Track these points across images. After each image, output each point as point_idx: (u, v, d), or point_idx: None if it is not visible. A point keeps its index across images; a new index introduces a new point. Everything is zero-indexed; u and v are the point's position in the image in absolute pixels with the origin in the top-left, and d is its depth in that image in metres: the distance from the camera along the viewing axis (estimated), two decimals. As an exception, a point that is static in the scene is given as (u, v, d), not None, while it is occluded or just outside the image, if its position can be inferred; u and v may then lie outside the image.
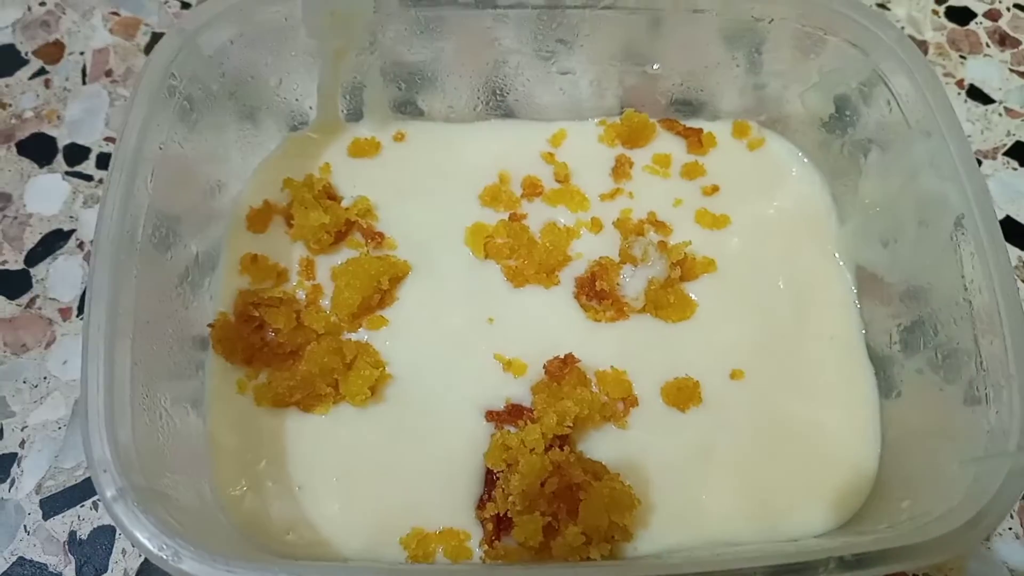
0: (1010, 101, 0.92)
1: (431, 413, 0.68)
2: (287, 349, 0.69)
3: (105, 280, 0.56)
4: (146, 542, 0.49)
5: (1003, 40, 0.96)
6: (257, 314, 0.69)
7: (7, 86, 0.88)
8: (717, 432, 0.68)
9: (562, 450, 0.63)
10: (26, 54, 0.90)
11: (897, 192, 0.71)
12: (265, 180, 0.77)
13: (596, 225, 0.76)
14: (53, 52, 0.90)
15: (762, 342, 0.72)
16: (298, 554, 0.63)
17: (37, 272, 0.79)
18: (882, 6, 0.97)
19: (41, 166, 0.84)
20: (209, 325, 0.69)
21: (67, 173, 0.84)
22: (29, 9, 0.93)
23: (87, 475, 0.70)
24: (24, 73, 0.89)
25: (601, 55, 0.78)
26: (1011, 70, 0.94)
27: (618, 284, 0.72)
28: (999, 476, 0.55)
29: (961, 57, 0.95)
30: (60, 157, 0.84)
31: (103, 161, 0.84)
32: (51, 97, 0.88)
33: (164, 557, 0.49)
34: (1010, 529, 0.71)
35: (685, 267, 0.74)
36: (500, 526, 0.63)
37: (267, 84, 0.75)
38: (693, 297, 0.74)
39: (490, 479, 0.65)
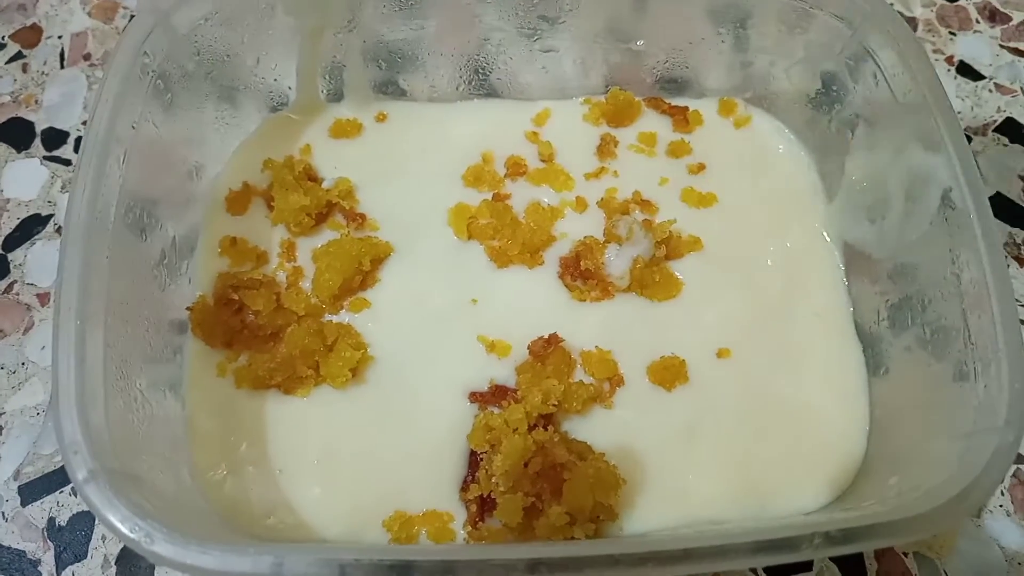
0: (1000, 77, 0.91)
1: (414, 395, 0.67)
2: (267, 331, 0.68)
3: (76, 260, 0.55)
4: (118, 524, 0.48)
5: (993, 16, 0.95)
6: (236, 297, 0.68)
7: (-17, 71, 0.87)
8: (703, 411, 0.68)
9: (546, 430, 0.63)
10: (3, 38, 0.89)
11: (884, 167, 0.70)
12: (244, 162, 0.76)
13: (581, 204, 0.75)
14: (30, 36, 0.89)
15: (749, 320, 0.71)
16: (279, 537, 0.62)
17: (15, 257, 0.78)
18: (871, -18, 0.96)
19: (19, 151, 0.83)
20: (188, 308, 0.68)
21: (45, 158, 0.83)
22: (6, -8, 0.91)
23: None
24: (1, 57, 0.88)
25: (585, 32, 0.77)
26: (1001, 46, 0.93)
27: (603, 263, 0.71)
28: (987, 450, 0.54)
29: (951, 33, 0.94)
30: (38, 142, 0.84)
31: (81, 146, 0.83)
32: (28, 81, 0.87)
33: (136, 539, 0.48)
34: (1001, 507, 0.70)
35: (671, 246, 0.73)
36: (484, 507, 0.62)
37: (244, 64, 0.74)
38: (679, 276, 0.73)
39: (474, 461, 0.64)
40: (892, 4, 0.94)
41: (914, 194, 0.66)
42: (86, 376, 0.53)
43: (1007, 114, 0.89)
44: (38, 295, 0.76)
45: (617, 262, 0.71)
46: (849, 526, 0.51)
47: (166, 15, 0.65)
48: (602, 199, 0.76)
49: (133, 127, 0.62)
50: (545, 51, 0.78)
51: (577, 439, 0.65)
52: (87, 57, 0.88)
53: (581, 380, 0.67)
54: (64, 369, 0.52)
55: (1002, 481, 0.68)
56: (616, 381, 0.68)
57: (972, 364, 0.59)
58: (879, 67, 0.69)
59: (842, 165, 0.75)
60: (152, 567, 0.66)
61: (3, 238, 0.78)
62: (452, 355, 0.69)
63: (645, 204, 0.76)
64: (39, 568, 0.66)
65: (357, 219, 0.74)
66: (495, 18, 0.75)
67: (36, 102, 0.85)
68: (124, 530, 0.48)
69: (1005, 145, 0.87)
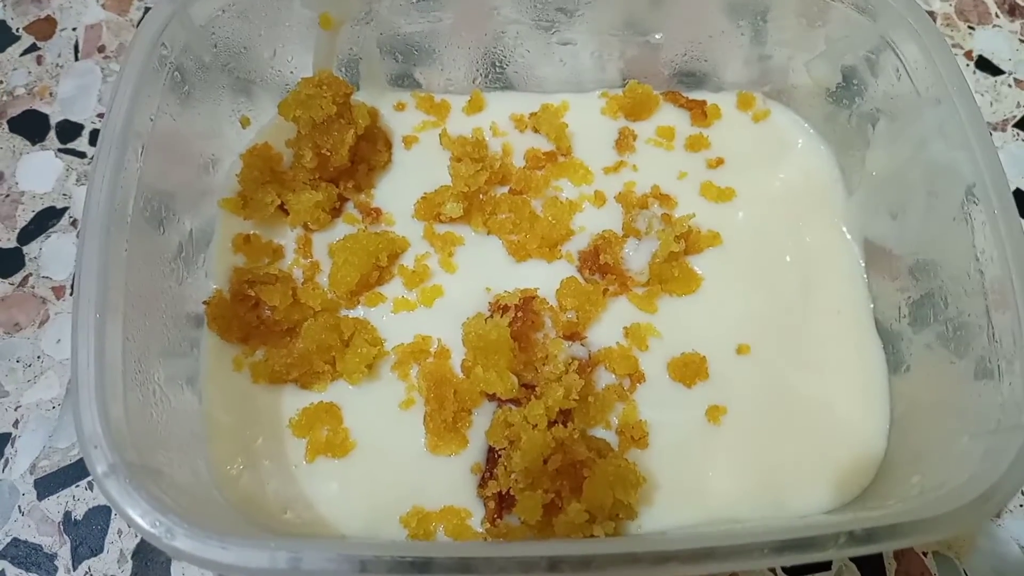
0: (1020, 72, 0.90)
1: (431, 390, 0.67)
2: (284, 326, 0.68)
3: (95, 253, 0.55)
4: (138, 519, 0.48)
5: (1012, 10, 0.94)
6: (252, 292, 0.68)
7: (-2, 63, 0.87)
8: (723, 408, 0.67)
9: (565, 427, 0.62)
10: (17, 30, 0.89)
11: (906, 162, 0.69)
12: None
13: (599, 199, 0.75)
14: (45, 28, 0.89)
15: (769, 316, 0.71)
16: (296, 533, 0.62)
17: (30, 250, 0.77)
18: (889, -24, 0.95)
19: (33, 143, 0.83)
20: (204, 303, 0.68)
21: (60, 150, 0.82)
22: (20, -16, 0.91)
23: (82, 455, 0.68)
24: (15, 49, 0.88)
25: (602, 25, 0.76)
26: (1021, 40, 0.92)
27: (622, 258, 0.71)
28: (1011, 450, 0.54)
29: (970, 28, 0.93)
30: (52, 134, 0.83)
31: (96, 138, 0.82)
32: (43, 73, 0.86)
33: (157, 534, 0.48)
34: (1021, 506, 0.70)
35: (690, 240, 0.72)
36: (502, 504, 0.62)
37: (261, 56, 0.73)
38: (698, 271, 0.72)
39: (492, 457, 0.64)
40: (911, -2, 0.93)
41: (936, 189, 0.66)
42: (105, 370, 0.53)
43: (1026, 109, 0.88)
44: (53, 288, 0.76)
45: (636, 257, 0.71)
46: (873, 525, 0.51)
47: (184, 6, 0.65)
48: (620, 193, 0.75)
49: (151, 120, 0.61)
50: (562, 44, 0.77)
51: (597, 436, 0.64)
52: (101, 49, 0.88)
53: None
54: (83, 363, 0.52)
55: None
56: (637, 378, 0.67)
57: (996, 362, 0.58)
58: (901, 61, 0.68)
59: (862, 160, 0.74)
60: (168, 561, 0.66)
61: (18, 231, 0.78)
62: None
63: (664, 198, 0.75)
64: (55, 562, 0.66)
65: (372, 213, 0.74)
66: (512, 11, 0.74)
67: (51, 94, 0.85)
68: (144, 525, 0.48)
69: (1024, 141, 0.87)
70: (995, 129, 0.87)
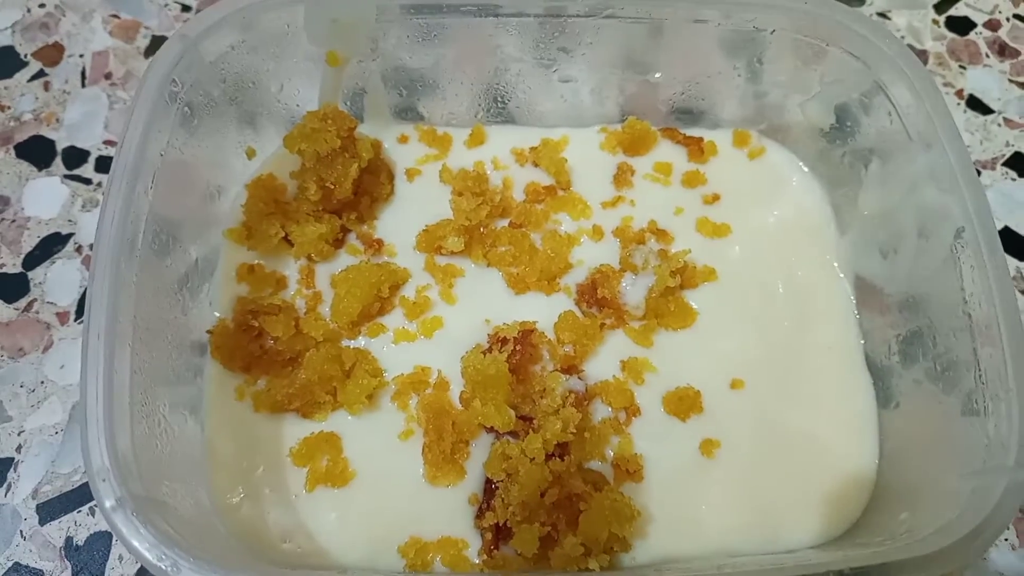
0: (1009, 111, 0.92)
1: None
2: (286, 356, 0.69)
3: (105, 288, 0.56)
4: (145, 552, 0.49)
5: (1003, 50, 0.96)
6: (255, 322, 0.69)
7: (6, 88, 0.88)
8: (717, 442, 0.68)
9: (562, 460, 0.63)
10: (25, 56, 0.90)
11: (897, 203, 0.71)
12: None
13: (597, 233, 0.76)
14: (52, 54, 0.90)
15: (762, 351, 0.72)
16: (295, 563, 0.63)
17: (35, 276, 0.78)
18: (883, 16, 0.97)
19: (40, 169, 0.84)
20: (208, 331, 0.69)
21: (66, 176, 0.83)
22: (28, 11, 0.92)
23: (84, 480, 0.69)
24: (23, 75, 0.89)
25: (602, 63, 0.78)
26: (1010, 80, 0.94)
27: (619, 292, 0.72)
28: (997, 490, 0.55)
29: (961, 67, 0.95)
30: (59, 160, 0.84)
31: (102, 164, 0.84)
32: (50, 100, 0.87)
33: (163, 567, 0.49)
34: (1006, 540, 0.71)
35: (686, 275, 0.73)
36: (499, 536, 0.63)
37: (268, 90, 0.75)
38: (694, 306, 0.73)
39: (490, 489, 0.65)
40: (903, 37, 0.95)
41: (927, 230, 0.67)
42: (114, 402, 0.54)
43: (1015, 148, 0.90)
44: (58, 314, 0.77)
45: (633, 291, 0.72)
46: (862, 564, 0.52)
47: (194, 43, 0.66)
48: (618, 227, 0.77)
49: (161, 155, 0.63)
50: (563, 81, 0.79)
51: (593, 469, 0.65)
52: (108, 76, 0.89)
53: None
54: (92, 396, 0.53)
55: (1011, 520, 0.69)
56: (632, 411, 0.68)
57: (983, 401, 0.60)
58: (892, 104, 0.70)
59: (855, 198, 0.76)
60: (168, 588, 0.66)
61: (23, 256, 0.79)
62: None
63: (660, 233, 0.76)
64: (56, 587, 0.67)
65: (374, 245, 0.75)
66: (515, 48, 0.76)
67: (57, 120, 0.86)
68: (150, 558, 0.49)
69: (1013, 180, 0.88)
70: (984, 167, 0.89)
